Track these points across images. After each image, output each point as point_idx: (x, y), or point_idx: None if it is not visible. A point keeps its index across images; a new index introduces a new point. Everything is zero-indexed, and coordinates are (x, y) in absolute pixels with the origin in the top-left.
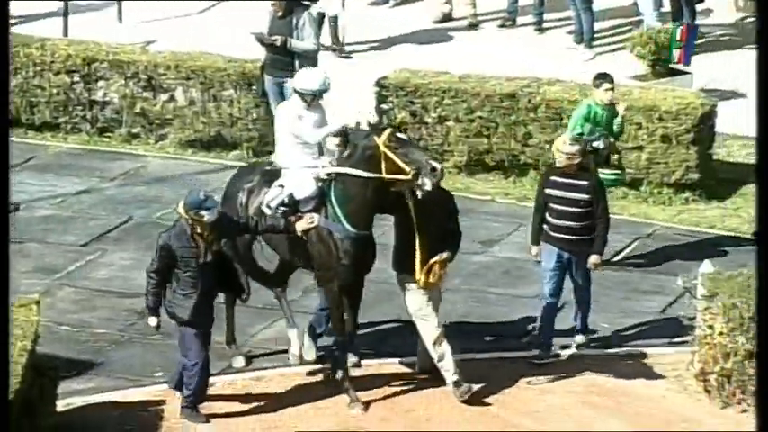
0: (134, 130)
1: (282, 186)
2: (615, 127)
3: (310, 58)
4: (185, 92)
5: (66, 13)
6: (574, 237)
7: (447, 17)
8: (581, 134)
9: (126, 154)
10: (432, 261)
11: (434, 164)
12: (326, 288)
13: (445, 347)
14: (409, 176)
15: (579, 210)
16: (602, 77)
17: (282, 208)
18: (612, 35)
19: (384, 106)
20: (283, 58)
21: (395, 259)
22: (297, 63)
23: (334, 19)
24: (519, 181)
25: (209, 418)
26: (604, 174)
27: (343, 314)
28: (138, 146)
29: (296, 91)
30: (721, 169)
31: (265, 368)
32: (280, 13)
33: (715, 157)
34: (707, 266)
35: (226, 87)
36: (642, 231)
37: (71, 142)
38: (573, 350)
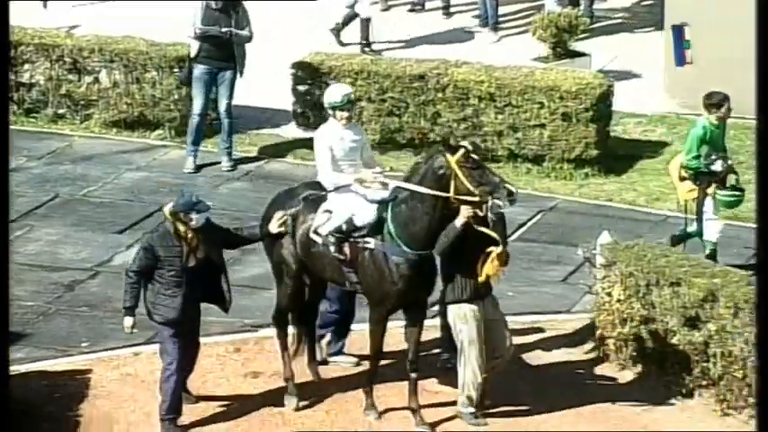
0: (60, 111)
1: (330, 212)
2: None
3: (242, 45)
4: (109, 74)
5: None
6: None
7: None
8: (698, 156)
9: (52, 134)
10: (489, 250)
11: (510, 187)
12: (374, 309)
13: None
14: (477, 199)
15: None
16: (719, 96)
17: (337, 234)
18: (516, 19)
19: (300, 88)
20: (224, 48)
21: (447, 288)
22: (236, 51)
23: (367, 20)
24: None
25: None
26: (721, 195)
27: (383, 335)
28: (64, 126)
29: (327, 108)
30: (618, 146)
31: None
32: (218, 6)
33: (612, 134)
34: (605, 237)
35: (148, 70)
36: (545, 205)
37: None
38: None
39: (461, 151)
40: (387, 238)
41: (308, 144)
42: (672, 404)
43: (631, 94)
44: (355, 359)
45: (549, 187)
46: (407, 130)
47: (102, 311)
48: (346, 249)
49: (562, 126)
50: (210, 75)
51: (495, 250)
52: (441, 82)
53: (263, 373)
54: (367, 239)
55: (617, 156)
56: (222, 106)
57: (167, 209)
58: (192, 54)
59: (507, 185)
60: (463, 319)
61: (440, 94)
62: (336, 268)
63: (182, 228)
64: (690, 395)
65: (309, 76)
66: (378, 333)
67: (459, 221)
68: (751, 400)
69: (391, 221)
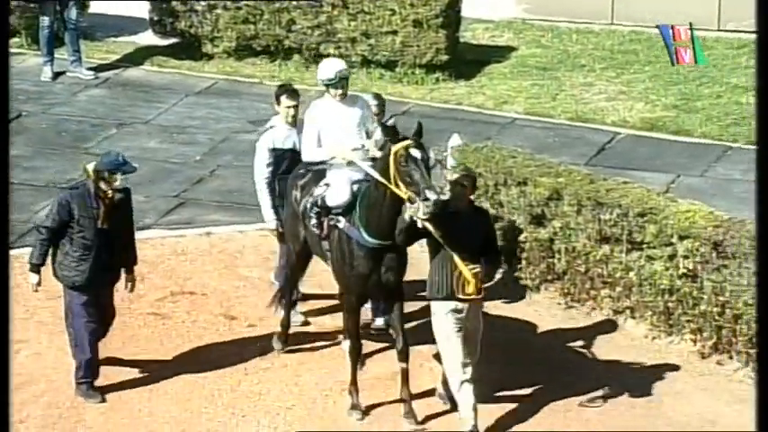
0: None
1: (328, 185)
2: None
3: None
4: None
5: None
6: None
7: None
8: None
9: None
10: (464, 272)
11: (429, 193)
12: (345, 297)
13: (464, 385)
14: (404, 197)
15: None
16: None
17: (316, 209)
18: None
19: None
20: None
21: (428, 283)
22: None
23: None
24: (284, 64)
25: (104, 396)
26: None
27: (358, 321)
28: None
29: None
30: (467, 51)
31: None
32: None
33: (461, 40)
34: (455, 140)
35: None
36: (398, 109)
37: None
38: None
39: (401, 144)
40: (353, 221)
41: (164, 51)
42: (520, 298)
43: (479, 0)
44: (303, 317)
45: (401, 92)
46: (263, 37)
47: None
48: (324, 225)
49: (413, 32)
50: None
51: (470, 270)
52: None
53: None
54: (339, 218)
55: (466, 61)
56: (70, 15)
57: (90, 166)
58: None
59: (427, 192)
60: (437, 317)
61: (294, 2)
62: (317, 242)
63: (103, 187)
64: (536, 289)
65: None
66: (352, 325)
67: (405, 214)
68: (593, 292)
69: (359, 204)
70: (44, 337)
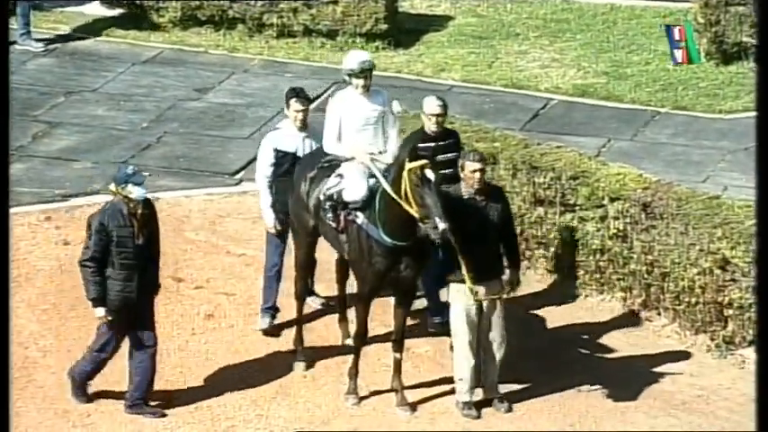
0: None
1: (341, 176)
2: None
3: None
4: None
5: None
6: None
7: None
8: None
9: None
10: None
11: (439, 221)
12: (358, 287)
13: (467, 370)
14: (415, 215)
15: None
16: None
17: (330, 202)
18: None
19: None
20: None
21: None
22: None
23: None
24: (228, 34)
25: (163, 412)
26: None
27: (367, 316)
28: None
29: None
30: (406, 20)
31: None
32: None
33: (400, 10)
34: (396, 106)
35: None
36: (339, 77)
37: None
38: None
39: (417, 163)
40: (372, 220)
41: (112, 22)
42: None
43: None
44: (324, 299)
45: (342, 60)
46: (207, 7)
47: None
48: (341, 218)
49: (353, 2)
50: None
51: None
52: None
53: (73, 240)
54: (357, 213)
55: (405, 30)
56: None
57: (112, 186)
58: None
59: (437, 219)
60: (454, 298)
61: None
62: (335, 236)
63: (130, 204)
64: None
65: None
66: (361, 313)
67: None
68: (528, 253)
69: (377, 203)
70: None
